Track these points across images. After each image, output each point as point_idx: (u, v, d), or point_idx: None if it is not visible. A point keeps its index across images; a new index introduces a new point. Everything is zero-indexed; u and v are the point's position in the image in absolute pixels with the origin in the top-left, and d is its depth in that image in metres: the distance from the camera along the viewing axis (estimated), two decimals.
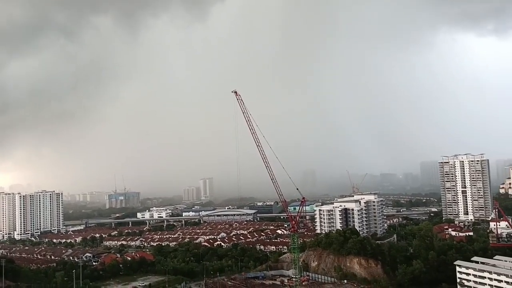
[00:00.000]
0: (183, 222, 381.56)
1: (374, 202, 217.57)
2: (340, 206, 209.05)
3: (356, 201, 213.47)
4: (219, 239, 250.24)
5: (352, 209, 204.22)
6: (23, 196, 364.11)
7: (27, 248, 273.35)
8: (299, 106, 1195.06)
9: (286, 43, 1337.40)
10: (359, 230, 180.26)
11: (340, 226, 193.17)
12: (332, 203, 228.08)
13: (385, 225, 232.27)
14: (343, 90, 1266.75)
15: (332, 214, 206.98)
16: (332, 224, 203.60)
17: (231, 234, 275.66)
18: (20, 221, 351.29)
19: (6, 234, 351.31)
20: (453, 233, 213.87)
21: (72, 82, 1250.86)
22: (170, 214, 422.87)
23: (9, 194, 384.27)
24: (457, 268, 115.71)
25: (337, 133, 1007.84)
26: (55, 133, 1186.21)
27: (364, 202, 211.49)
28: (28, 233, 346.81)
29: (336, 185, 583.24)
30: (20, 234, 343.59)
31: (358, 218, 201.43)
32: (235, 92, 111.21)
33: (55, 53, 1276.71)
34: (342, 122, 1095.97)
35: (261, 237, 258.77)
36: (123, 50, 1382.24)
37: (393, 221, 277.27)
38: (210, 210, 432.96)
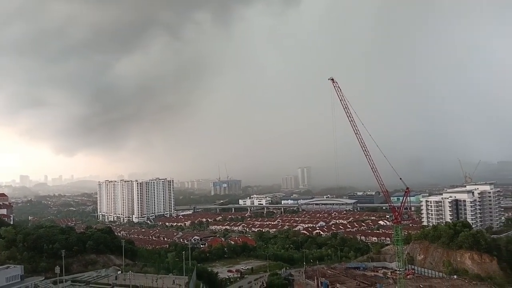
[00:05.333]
0: (282, 209, 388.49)
1: (489, 193, 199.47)
2: (450, 197, 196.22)
3: (468, 191, 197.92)
4: (318, 228, 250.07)
5: (464, 201, 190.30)
6: (140, 183, 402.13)
7: (143, 230, 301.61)
8: (400, 92, 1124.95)
9: (382, 25, 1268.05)
10: (472, 223, 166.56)
11: (450, 219, 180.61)
12: (441, 194, 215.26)
13: (503, 218, 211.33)
14: (449, 73, 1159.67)
15: (441, 206, 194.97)
16: (441, 216, 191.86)
17: (330, 223, 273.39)
18: (138, 205, 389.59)
19: (126, 217, 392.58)
20: None
21: (174, 77, 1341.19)
22: (270, 201, 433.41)
23: (128, 181, 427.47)
24: None
25: (446, 119, 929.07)
26: (162, 125, 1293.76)
27: (478, 193, 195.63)
28: (145, 217, 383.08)
29: (445, 175, 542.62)
30: (138, 218, 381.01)
31: (471, 210, 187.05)
32: (332, 79, 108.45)
33: (159, 50, 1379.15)
34: (450, 107, 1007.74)
35: (362, 227, 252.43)
36: (220, 44, 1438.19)
37: None
38: (308, 198, 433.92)
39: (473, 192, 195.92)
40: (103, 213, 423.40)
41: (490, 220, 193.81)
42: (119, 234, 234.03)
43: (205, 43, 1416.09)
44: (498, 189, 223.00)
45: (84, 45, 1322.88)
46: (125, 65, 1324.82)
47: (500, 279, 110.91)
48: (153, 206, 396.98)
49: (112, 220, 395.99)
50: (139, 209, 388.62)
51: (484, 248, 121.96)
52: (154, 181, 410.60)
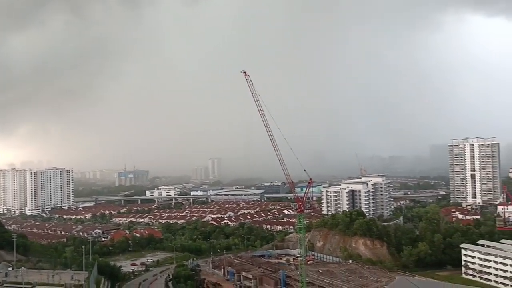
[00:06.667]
0: (191, 200, 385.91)
1: (381, 184, 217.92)
2: (347, 187, 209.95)
3: (363, 183, 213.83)
4: (226, 218, 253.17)
5: (359, 191, 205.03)
6: (34, 172, 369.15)
7: (38, 223, 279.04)
8: (308, 92, 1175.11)
9: (295, 26, 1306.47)
10: (366, 211, 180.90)
11: (347, 208, 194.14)
12: (339, 185, 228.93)
13: (392, 207, 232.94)
14: (346, 76, 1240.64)
15: (339, 196, 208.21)
16: (339, 205, 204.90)
17: (238, 213, 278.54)
18: (31, 197, 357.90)
19: (17, 209, 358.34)
20: (460, 216, 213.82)
21: (76, 59, 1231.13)
22: (179, 192, 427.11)
23: (20, 170, 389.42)
24: (463, 251, 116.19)
25: (343, 120, 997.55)
26: (60, 110, 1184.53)
27: (372, 184, 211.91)
28: (39, 209, 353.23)
29: (344, 167, 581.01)
30: (31, 210, 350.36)
31: (365, 200, 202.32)
32: (244, 72, 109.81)
33: (59, 29, 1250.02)
34: (346, 109, 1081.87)
35: (268, 216, 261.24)
36: (128, 28, 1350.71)
37: (400, 203, 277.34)
38: (217, 189, 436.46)
39: (367, 183, 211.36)
40: None
41: (381, 209, 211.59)
42: (9, 227, 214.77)
43: (111, 25, 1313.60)
44: (389, 181, 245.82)
45: None
46: (17, 43, 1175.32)
47: (389, 263, 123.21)
48: (49, 198, 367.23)
49: (2, 212, 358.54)
50: (33, 201, 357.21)
51: (376, 234, 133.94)
52: (51, 170, 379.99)
